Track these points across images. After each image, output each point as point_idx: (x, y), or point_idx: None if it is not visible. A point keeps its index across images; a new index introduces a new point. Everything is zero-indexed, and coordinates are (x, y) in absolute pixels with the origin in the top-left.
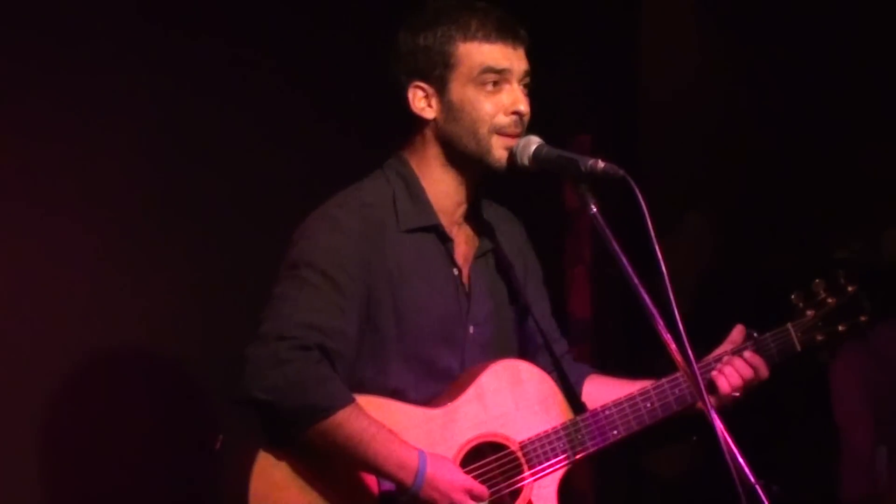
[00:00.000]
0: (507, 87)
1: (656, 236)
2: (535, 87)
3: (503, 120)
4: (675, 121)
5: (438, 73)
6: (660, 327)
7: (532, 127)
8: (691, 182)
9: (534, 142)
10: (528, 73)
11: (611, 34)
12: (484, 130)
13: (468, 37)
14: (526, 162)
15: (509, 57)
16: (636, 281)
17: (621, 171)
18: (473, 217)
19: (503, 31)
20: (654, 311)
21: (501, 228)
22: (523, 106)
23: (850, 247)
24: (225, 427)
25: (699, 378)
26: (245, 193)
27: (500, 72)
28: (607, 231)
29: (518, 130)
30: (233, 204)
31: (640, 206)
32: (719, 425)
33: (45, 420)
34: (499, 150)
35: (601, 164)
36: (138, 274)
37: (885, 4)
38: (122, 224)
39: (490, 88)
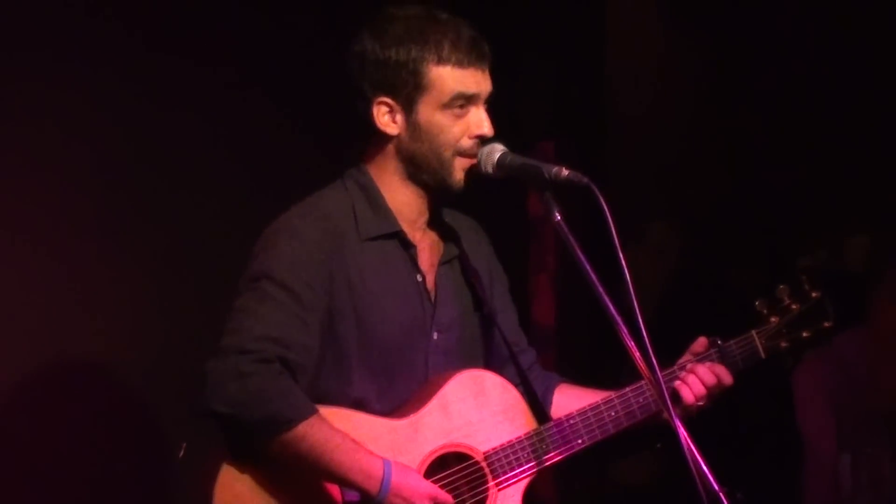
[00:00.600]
0: (472, 109)
1: (620, 244)
2: (498, 92)
3: (466, 143)
4: (641, 128)
5: (407, 93)
6: (623, 335)
7: (495, 133)
8: (656, 189)
9: (498, 149)
10: (489, 95)
11: (575, 40)
12: (448, 154)
13: (441, 60)
14: (490, 169)
15: (479, 81)
16: (600, 289)
17: (585, 179)
18: (437, 224)
19: (475, 55)
20: (618, 318)
21: (467, 237)
22: (487, 129)
23: (813, 254)
24: (188, 435)
25: (662, 385)
26: (205, 202)
27: (468, 97)
28: (571, 239)
29: (478, 150)
30: (192, 213)
31: (605, 214)
32: (683, 433)
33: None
34: (459, 171)
35: (565, 172)
36: (99, 282)
37: (850, 8)
38: (80, 235)
39: (457, 112)
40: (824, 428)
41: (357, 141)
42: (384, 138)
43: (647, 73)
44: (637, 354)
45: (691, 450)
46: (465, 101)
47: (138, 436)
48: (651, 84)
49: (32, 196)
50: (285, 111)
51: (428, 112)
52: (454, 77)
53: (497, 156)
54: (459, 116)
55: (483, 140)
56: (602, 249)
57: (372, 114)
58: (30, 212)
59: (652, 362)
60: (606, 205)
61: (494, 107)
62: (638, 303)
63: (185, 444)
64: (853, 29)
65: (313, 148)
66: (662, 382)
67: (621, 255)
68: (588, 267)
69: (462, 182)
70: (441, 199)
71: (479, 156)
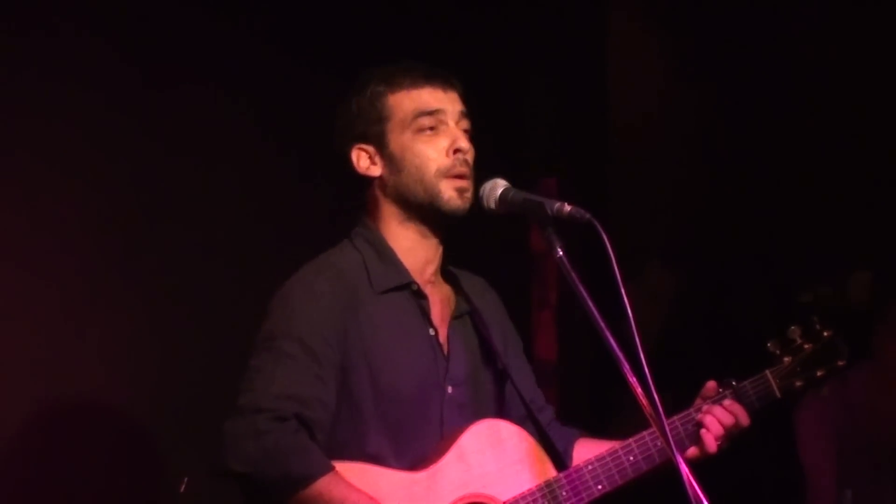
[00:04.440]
0: (443, 128)
1: (623, 280)
2: (501, 129)
3: (446, 162)
4: (642, 163)
5: (375, 130)
6: (626, 371)
7: (497, 170)
8: (657, 226)
9: (500, 185)
10: (464, 115)
11: (576, 77)
12: (430, 176)
13: (395, 88)
14: (492, 205)
15: (440, 99)
16: (602, 324)
17: (587, 215)
18: (448, 280)
19: (430, 76)
20: (620, 355)
21: (478, 295)
22: (463, 143)
23: (815, 291)
24: (189, 470)
25: (664, 421)
26: (212, 248)
27: (433, 113)
28: (573, 274)
29: (464, 170)
30: (199, 258)
31: (607, 250)
32: (685, 469)
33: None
34: (448, 191)
35: (567, 208)
36: (102, 322)
37: (849, 40)
38: (85, 274)
39: (428, 133)
40: (826, 463)
41: (356, 202)
42: (371, 184)
43: (649, 110)
44: (639, 391)
45: (693, 487)
46: (431, 119)
47: (141, 466)
48: (653, 121)
49: (43, 228)
50: (301, 164)
51: (397, 140)
52: (410, 98)
53: (499, 191)
54: (432, 137)
55: (465, 158)
56: (604, 286)
57: (353, 164)
58: (39, 242)
59: (654, 398)
60: (609, 241)
61: (497, 143)
62: (640, 339)
63: (186, 479)
64: (856, 65)
65: (329, 201)
66: (664, 419)
67: (623, 292)
68: (590, 303)
69: (455, 202)
70: (446, 237)
71: (481, 191)
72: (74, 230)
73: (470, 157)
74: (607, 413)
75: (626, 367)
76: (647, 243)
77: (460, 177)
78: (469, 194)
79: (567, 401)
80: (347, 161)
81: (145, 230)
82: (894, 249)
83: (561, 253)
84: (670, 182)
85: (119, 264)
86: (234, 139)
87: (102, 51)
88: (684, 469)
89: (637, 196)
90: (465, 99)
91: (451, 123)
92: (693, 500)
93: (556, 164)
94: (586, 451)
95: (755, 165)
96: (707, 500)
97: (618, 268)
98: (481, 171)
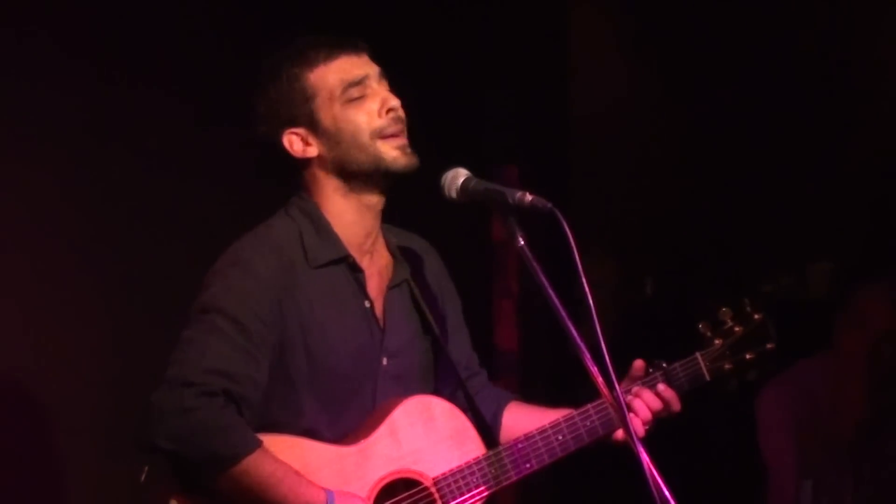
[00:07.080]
0: (370, 92)
1: (584, 269)
2: (462, 116)
3: (380, 123)
4: (604, 151)
5: (303, 111)
6: (586, 360)
7: (458, 158)
8: (619, 214)
9: (461, 174)
10: (383, 74)
11: (537, 64)
12: (366, 139)
13: (311, 64)
14: (453, 194)
15: (358, 65)
16: (563, 313)
17: (549, 205)
18: (387, 247)
19: (340, 45)
20: (581, 343)
21: (417, 258)
22: (393, 101)
23: (776, 281)
24: (149, 459)
25: (625, 410)
26: (162, 227)
27: (358, 82)
28: (535, 264)
29: (399, 127)
30: (145, 237)
31: (568, 239)
32: (645, 457)
33: None
34: (390, 152)
35: (529, 197)
36: (58, 305)
37: (814, 32)
38: (42, 259)
39: (356, 101)
40: (786, 454)
41: (291, 183)
42: (309, 164)
43: (610, 98)
44: (599, 378)
45: (653, 474)
46: (358, 88)
47: (100, 454)
48: (614, 108)
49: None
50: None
51: (328, 114)
52: (330, 70)
53: (461, 180)
54: (362, 103)
55: (397, 116)
56: (565, 275)
57: (286, 149)
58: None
59: (615, 387)
60: (570, 230)
61: (458, 130)
62: (601, 328)
63: (146, 468)
64: (817, 56)
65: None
66: (625, 408)
67: (584, 280)
68: (551, 292)
69: (401, 160)
70: (388, 195)
71: (442, 181)
72: (58, 229)
73: (401, 114)
74: (568, 401)
75: (587, 356)
76: (608, 231)
77: (396, 135)
78: (410, 150)
79: (528, 390)
80: (280, 148)
81: (126, 225)
82: (853, 240)
83: (522, 242)
84: (631, 170)
85: (100, 260)
86: (199, 131)
87: (85, 50)
88: (645, 459)
89: (598, 184)
90: (374, 56)
91: (375, 86)
92: (654, 490)
93: (517, 151)
94: (515, 419)
95: (716, 155)
96: (668, 489)
97: (579, 256)
98: (441, 159)
